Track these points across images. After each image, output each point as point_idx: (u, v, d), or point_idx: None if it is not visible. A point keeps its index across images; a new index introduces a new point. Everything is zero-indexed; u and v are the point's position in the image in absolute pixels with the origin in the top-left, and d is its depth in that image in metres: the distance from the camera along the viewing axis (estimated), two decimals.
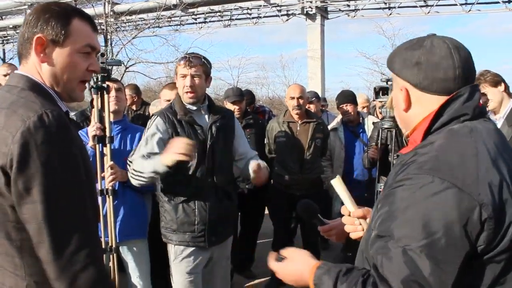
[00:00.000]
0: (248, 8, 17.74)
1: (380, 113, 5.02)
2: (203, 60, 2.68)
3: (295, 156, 4.20)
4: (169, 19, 16.46)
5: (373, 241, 1.18)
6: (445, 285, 1.08)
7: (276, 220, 4.51)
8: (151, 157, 2.57)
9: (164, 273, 3.89)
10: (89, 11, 12.77)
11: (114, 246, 2.77)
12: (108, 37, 13.04)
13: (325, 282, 1.23)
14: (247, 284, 4.61)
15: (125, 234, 2.94)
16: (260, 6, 17.46)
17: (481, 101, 1.25)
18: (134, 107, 5.76)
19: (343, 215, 1.66)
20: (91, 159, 2.30)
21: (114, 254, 2.79)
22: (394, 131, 3.77)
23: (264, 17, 18.21)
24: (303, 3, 16.66)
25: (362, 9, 16.68)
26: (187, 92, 2.66)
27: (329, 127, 4.80)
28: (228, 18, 18.46)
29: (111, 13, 13.57)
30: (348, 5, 16.78)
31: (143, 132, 3.12)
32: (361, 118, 4.92)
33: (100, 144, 2.76)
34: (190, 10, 17.05)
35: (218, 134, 2.74)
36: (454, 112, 1.21)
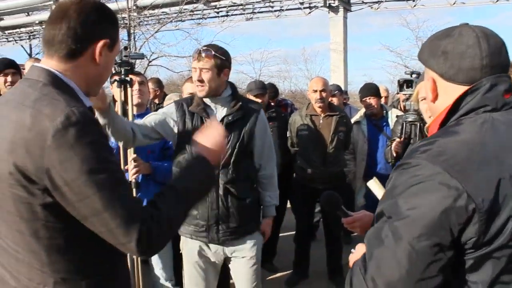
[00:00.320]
0: (270, 1, 17.66)
1: (404, 106, 4.96)
2: (213, 52, 2.56)
3: (317, 150, 4.19)
4: (191, 13, 16.50)
5: (375, 221, 1.23)
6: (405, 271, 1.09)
7: (299, 213, 4.50)
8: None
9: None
10: (112, 5, 12.90)
11: None
12: (131, 31, 13.16)
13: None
14: (269, 278, 4.63)
15: None
16: None
17: None
18: (156, 101, 5.80)
19: (367, 208, 1.66)
20: (115, 152, 2.32)
21: None
22: (418, 124, 3.72)
23: (287, 10, 18.09)
24: None
25: (385, 1, 16.44)
26: (197, 86, 2.62)
27: (352, 120, 4.75)
28: (250, 11, 18.40)
29: (134, 7, 13.67)
30: None
31: None
32: (384, 112, 4.86)
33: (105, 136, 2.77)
34: (213, 4, 17.05)
35: (227, 129, 2.52)
36: (472, 104, 1.18)
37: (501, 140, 1.13)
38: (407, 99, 3.83)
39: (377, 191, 1.65)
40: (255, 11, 18.35)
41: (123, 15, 12.79)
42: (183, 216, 1.46)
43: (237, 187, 2.66)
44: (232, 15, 18.66)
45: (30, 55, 21.74)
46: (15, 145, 1.23)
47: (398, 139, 3.96)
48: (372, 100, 4.69)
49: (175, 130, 2.67)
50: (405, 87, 3.68)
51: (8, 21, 21.50)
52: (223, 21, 18.36)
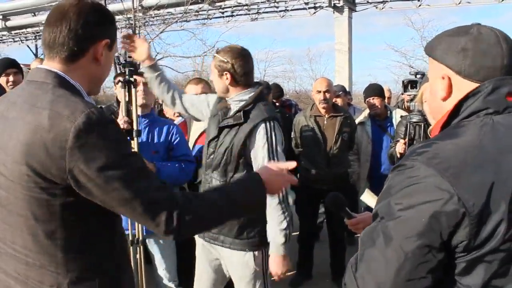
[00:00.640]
0: (275, 1, 17.65)
1: (409, 107, 4.94)
2: (215, 54, 2.52)
3: (322, 151, 4.19)
4: (196, 13, 16.53)
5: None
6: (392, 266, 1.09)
7: (303, 214, 4.50)
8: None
9: (190, 265, 3.95)
10: (117, 6, 12.97)
11: (141, 238, 2.81)
12: (137, 31, 13.20)
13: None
14: (272, 278, 4.62)
15: None
16: None
17: None
18: (160, 101, 5.81)
19: (370, 209, 1.65)
20: None
21: (141, 246, 2.83)
22: (422, 125, 3.71)
23: (291, 10, 18.08)
24: None
25: (390, 0, 16.40)
26: None
27: (356, 121, 4.75)
28: (255, 12, 18.41)
29: (139, 7, 13.73)
30: None
31: (170, 125, 3.16)
32: (388, 112, 4.85)
33: (128, 138, 2.80)
34: (218, 4, 17.06)
35: (222, 132, 2.52)
36: (474, 107, 1.17)
37: (499, 143, 1.12)
38: (412, 99, 3.82)
39: (372, 203, 1.64)
40: (260, 11, 18.35)
41: (128, 16, 12.84)
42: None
43: None
44: (237, 15, 18.67)
45: (36, 55, 21.84)
46: (33, 147, 1.24)
47: (402, 140, 3.96)
48: (376, 101, 4.68)
49: (207, 116, 2.72)
50: (409, 87, 3.67)
51: (14, 21, 21.61)
52: (228, 21, 18.37)
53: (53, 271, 1.32)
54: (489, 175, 1.07)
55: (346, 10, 16.90)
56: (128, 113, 2.80)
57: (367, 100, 4.76)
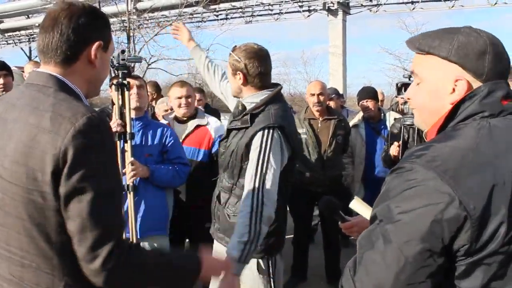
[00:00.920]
0: (269, 4, 17.71)
1: (403, 109, 4.96)
2: (230, 51, 2.40)
3: (316, 153, 4.18)
4: (191, 16, 16.54)
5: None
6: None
7: (297, 217, 4.50)
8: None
9: None
10: (112, 8, 12.96)
11: (135, 242, 2.79)
12: (131, 34, 13.17)
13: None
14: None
15: (146, 230, 2.96)
16: (282, 2, 17.42)
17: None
18: (154, 104, 5.81)
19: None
20: None
21: None
22: (416, 127, 3.72)
23: (286, 13, 18.16)
24: None
25: (384, 4, 16.50)
26: None
27: (350, 123, 4.76)
28: (249, 15, 18.47)
29: (134, 10, 13.71)
30: (370, 0, 16.61)
31: (164, 128, 3.15)
32: (382, 115, 4.86)
33: (121, 141, 2.79)
34: (212, 7, 17.11)
35: (231, 133, 2.45)
36: (470, 110, 1.17)
37: (496, 145, 1.12)
38: (406, 102, 3.83)
39: (361, 210, 1.64)
40: (254, 14, 18.42)
41: (122, 18, 12.81)
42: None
43: (229, 200, 2.41)
44: (231, 18, 18.72)
45: (29, 57, 21.77)
46: (33, 148, 1.24)
47: (396, 143, 3.97)
48: (369, 103, 4.68)
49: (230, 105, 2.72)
50: (403, 90, 3.68)
51: (8, 23, 21.55)
52: (223, 24, 18.42)
53: (49, 273, 1.32)
54: (489, 178, 1.07)
55: (340, 13, 16.99)
56: (122, 116, 2.79)
57: (360, 102, 4.77)
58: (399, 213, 1.08)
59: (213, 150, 3.53)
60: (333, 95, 5.34)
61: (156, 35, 13.90)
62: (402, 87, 3.67)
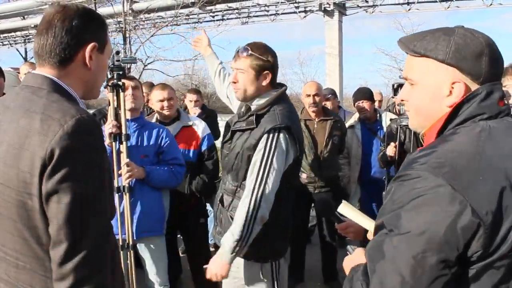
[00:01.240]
0: (265, 5, 17.72)
1: (399, 110, 4.97)
2: (250, 52, 2.24)
3: (312, 154, 4.18)
4: (187, 17, 16.53)
5: (374, 233, 1.20)
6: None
7: (294, 218, 4.49)
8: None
9: (177, 265, 3.94)
10: (108, 9, 12.94)
11: (131, 243, 2.79)
12: (127, 35, 13.13)
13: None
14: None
15: (142, 231, 2.96)
16: (278, 3, 17.42)
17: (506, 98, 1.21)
18: (150, 104, 5.79)
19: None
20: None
21: (131, 251, 2.81)
22: None
23: (282, 14, 18.18)
24: None
25: (380, 4, 16.53)
26: (233, 88, 2.35)
27: (346, 124, 4.76)
28: (245, 15, 18.47)
29: (130, 11, 13.68)
30: (367, 1, 16.65)
31: (160, 129, 3.15)
32: (378, 115, 4.87)
33: (117, 142, 2.79)
34: (208, 8, 17.07)
35: (235, 135, 2.39)
36: (469, 112, 1.16)
37: (499, 148, 1.11)
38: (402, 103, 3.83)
39: (350, 214, 1.63)
40: (250, 15, 18.42)
41: (118, 19, 12.79)
42: None
43: (232, 202, 2.37)
44: (227, 19, 18.72)
45: (25, 58, 21.71)
46: (23, 150, 1.24)
47: (392, 143, 3.97)
48: (365, 104, 4.69)
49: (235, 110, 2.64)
50: (399, 91, 3.68)
51: (3, 24, 21.47)
52: (219, 25, 18.43)
53: (42, 274, 1.32)
54: (497, 182, 1.06)
55: (336, 14, 17.02)
56: (117, 117, 2.79)
57: (356, 103, 4.77)
58: (410, 223, 1.06)
59: (202, 149, 3.57)
60: (330, 95, 5.33)
61: (152, 36, 13.87)
62: (398, 88, 3.68)
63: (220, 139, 2.77)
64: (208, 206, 4.05)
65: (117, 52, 2.69)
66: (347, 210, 1.63)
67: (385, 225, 1.12)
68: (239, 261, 2.38)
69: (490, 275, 1.07)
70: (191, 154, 3.54)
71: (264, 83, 2.29)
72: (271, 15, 18.33)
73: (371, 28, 48.69)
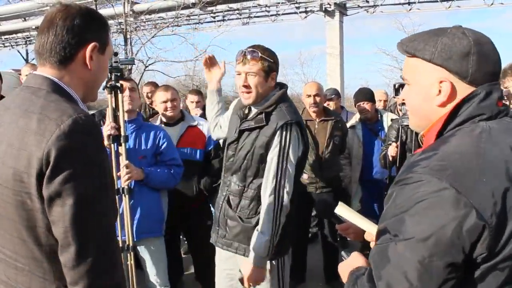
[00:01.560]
0: (266, 6, 17.71)
1: (400, 110, 4.95)
2: (260, 54, 2.30)
3: (314, 155, 4.18)
4: (188, 18, 16.52)
5: (376, 238, 1.19)
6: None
7: (295, 218, 4.48)
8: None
9: (179, 266, 3.94)
10: (109, 10, 12.93)
11: (131, 245, 2.79)
12: (128, 36, 13.14)
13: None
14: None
15: (142, 232, 2.97)
16: (279, 3, 17.41)
17: (505, 98, 1.20)
18: (153, 106, 5.81)
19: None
20: None
21: (132, 253, 2.80)
22: None
23: (283, 14, 18.16)
24: None
25: (381, 5, 16.50)
26: (242, 93, 2.37)
27: (347, 125, 4.75)
28: (246, 16, 18.45)
29: (131, 12, 13.67)
30: (367, 1, 16.62)
31: (157, 130, 3.16)
32: (379, 116, 4.86)
33: (115, 143, 2.78)
34: (209, 9, 17.06)
35: (242, 136, 2.41)
36: (469, 113, 1.16)
37: (500, 149, 1.11)
38: (403, 103, 3.83)
39: (346, 215, 1.62)
40: (251, 15, 18.41)
41: (119, 20, 12.80)
42: None
43: (240, 203, 2.41)
44: (228, 19, 18.72)
45: (26, 60, 21.74)
46: (21, 150, 1.24)
47: (394, 144, 3.97)
48: (366, 105, 4.68)
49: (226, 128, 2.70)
50: (400, 91, 3.67)
51: (4, 26, 21.50)
52: (220, 25, 18.42)
53: (41, 276, 1.31)
54: (500, 183, 1.05)
55: (337, 14, 17.00)
56: (115, 118, 2.78)
57: (357, 104, 4.76)
58: (415, 227, 1.05)
59: (209, 148, 3.59)
60: (333, 96, 5.31)
61: (153, 37, 13.88)
62: (399, 88, 3.67)
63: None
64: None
65: (115, 54, 2.69)
66: (344, 211, 1.63)
67: (389, 230, 1.11)
68: (240, 260, 2.44)
69: (495, 277, 1.06)
70: (198, 154, 3.55)
71: (272, 83, 2.38)
72: (272, 15, 18.32)
73: (372, 28, 48.76)
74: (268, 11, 18.12)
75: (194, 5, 14.88)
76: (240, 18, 18.56)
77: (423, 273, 1.04)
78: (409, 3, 16.13)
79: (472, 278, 1.07)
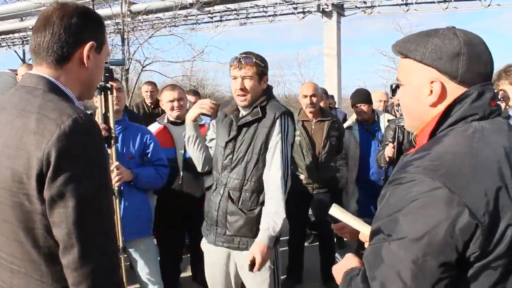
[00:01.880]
0: (264, 6, 17.73)
1: (397, 110, 4.95)
2: (254, 60, 2.50)
3: (310, 155, 4.18)
4: (185, 18, 16.49)
5: (370, 238, 1.19)
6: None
7: (292, 218, 4.48)
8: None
9: (177, 267, 3.93)
10: (106, 10, 12.90)
11: (122, 246, 2.77)
12: (125, 36, 13.11)
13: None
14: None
15: (132, 233, 2.97)
16: (276, 4, 17.43)
17: (499, 98, 1.21)
18: (149, 101, 5.83)
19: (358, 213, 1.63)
20: None
21: (124, 255, 2.80)
22: None
23: (280, 15, 18.19)
24: (319, 0, 16.57)
25: (378, 5, 16.55)
26: (238, 95, 2.52)
27: (344, 125, 4.75)
28: (244, 16, 18.47)
29: (128, 12, 13.65)
30: (365, 2, 16.65)
31: (143, 130, 3.18)
32: (376, 116, 4.86)
33: (106, 145, 2.75)
34: (206, 9, 17.06)
35: (241, 132, 2.55)
36: (461, 113, 1.16)
37: (493, 149, 1.11)
38: (399, 104, 3.83)
39: (340, 216, 1.63)
40: (248, 16, 18.43)
41: (117, 21, 12.76)
42: None
43: (241, 196, 2.53)
44: (226, 20, 18.72)
45: (23, 60, 21.70)
46: (18, 151, 1.22)
47: (391, 144, 3.97)
48: (363, 107, 4.67)
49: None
50: (397, 91, 3.68)
51: (1, 26, 21.46)
52: (217, 26, 18.42)
53: (38, 279, 1.30)
54: (493, 182, 1.06)
55: (334, 15, 17.03)
56: (105, 119, 2.75)
57: (354, 106, 4.76)
58: (409, 226, 1.06)
59: None
60: (322, 95, 5.30)
61: (150, 37, 13.84)
62: (396, 89, 3.66)
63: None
64: None
65: None
66: (337, 212, 1.63)
67: (382, 229, 1.12)
68: (236, 256, 2.59)
69: (488, 276, 1.07)
70: None
71: (264, 86, 2.58)
72: (269, 16, 18.34)
73: (369, 29, 48.87)
74: (266, 12, 18.14)
75: (191, 5, 14.87)
76: (238, 19, 18.58)
77: (417, 273, 1.05)
78: (406, 4, 16.17)
79: (465, 277, 1.07)
